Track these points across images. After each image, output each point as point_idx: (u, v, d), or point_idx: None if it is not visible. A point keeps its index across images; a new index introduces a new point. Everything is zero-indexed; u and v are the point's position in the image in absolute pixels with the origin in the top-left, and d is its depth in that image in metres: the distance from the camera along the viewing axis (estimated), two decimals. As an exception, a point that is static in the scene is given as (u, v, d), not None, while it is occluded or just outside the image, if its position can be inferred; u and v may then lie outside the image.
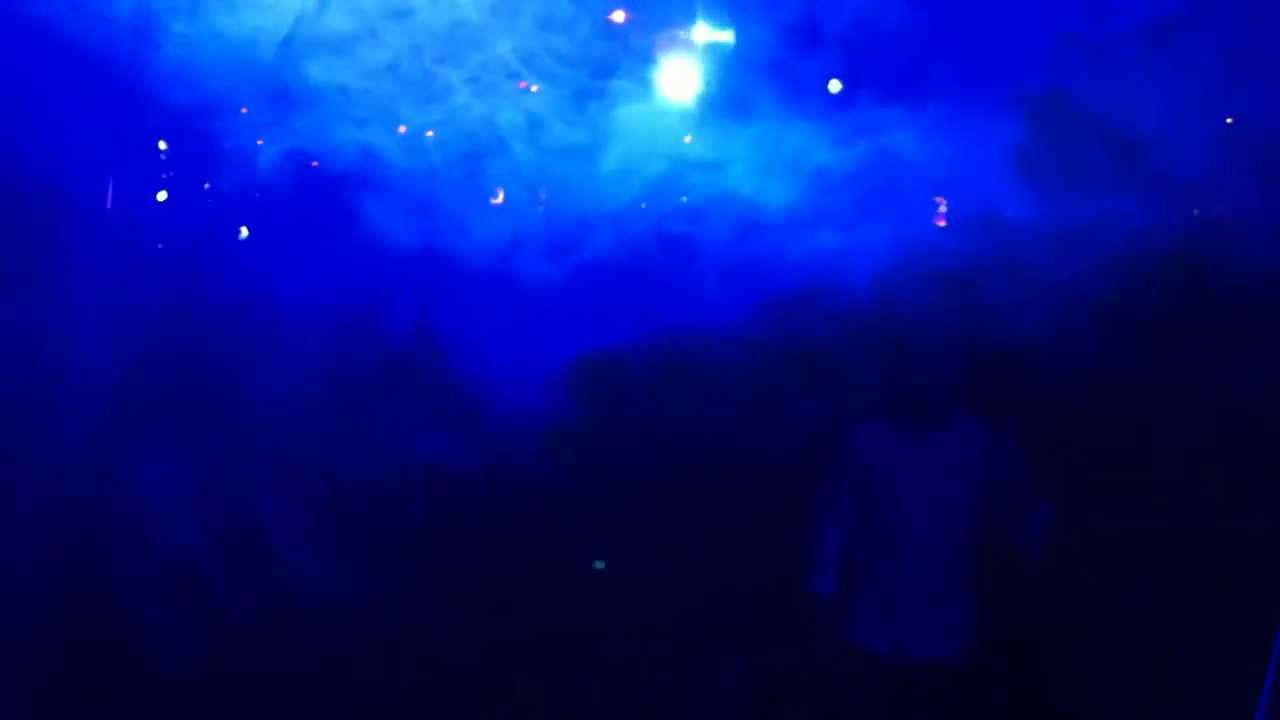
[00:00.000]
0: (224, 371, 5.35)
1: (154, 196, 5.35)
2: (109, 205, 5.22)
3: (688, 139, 5.62)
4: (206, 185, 5.39)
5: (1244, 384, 4.42)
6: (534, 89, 5.25)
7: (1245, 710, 2.31)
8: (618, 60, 5.48)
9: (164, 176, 5.20)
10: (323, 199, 5.41)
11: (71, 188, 5.13)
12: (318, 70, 5.07)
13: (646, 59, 5.57)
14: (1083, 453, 4.65)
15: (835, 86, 5.40)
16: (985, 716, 4.65)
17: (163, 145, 5.31)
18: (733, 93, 5.58)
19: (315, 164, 5.34)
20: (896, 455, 4.50)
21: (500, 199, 5.42)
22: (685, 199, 5.39)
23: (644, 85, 5.56)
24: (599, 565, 5.40)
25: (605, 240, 5.41)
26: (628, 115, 5.43)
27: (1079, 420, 4.72)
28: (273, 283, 5.51)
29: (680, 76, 5.65)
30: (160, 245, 5.32)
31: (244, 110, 5.13)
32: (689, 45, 5.67)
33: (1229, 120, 4.62)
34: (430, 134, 5.33)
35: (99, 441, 5.12)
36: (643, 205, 5.29)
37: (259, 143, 5.18)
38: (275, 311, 5.33)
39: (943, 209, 5.28)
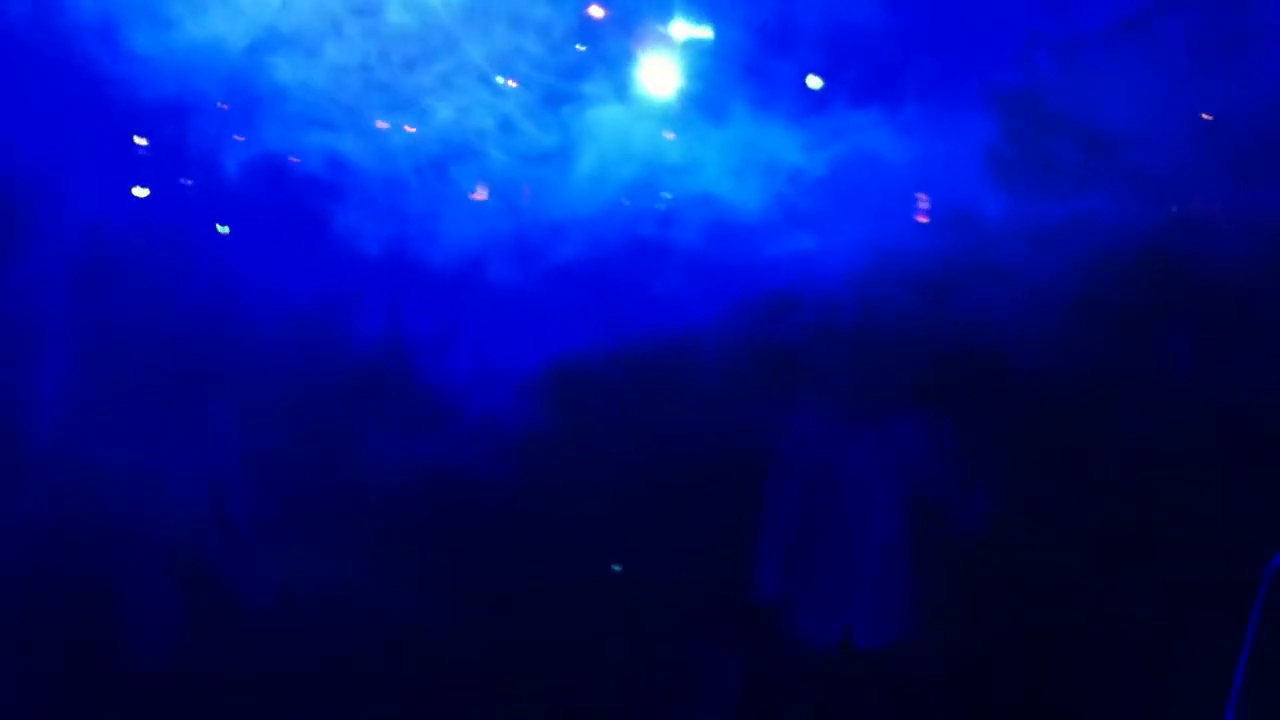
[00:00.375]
0: (195, 374, 5.31)
1: (118, 199, 5.29)
2: (72, 209, 5.16)
3: (663, 141, 5.57)
4: (173, 187, 5.33)
5: (1222, 379, 4.40)
6: (512, 84, 5.20)
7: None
8: (590, 62, 5.43)
9: (129, 180, 5.14)
10: (291, 203, 5.36)
11: (33, 191, 5.08)
12: (284, 73, 5.02)
13: (619, 61, 5.52)
14: (1054, 449, 4.62)
15: (815, 82, 5.35)
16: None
17: (126, 148, 5.25)
18: (707, 95, 5.53)
19: (283, 167, 5.28)
20: (851, 450, 4.48)
21: (482, 195, 5.37)
22: (668, 195, 5.34)
23: (617, 88, 5.51)
24: (616, 568, 5.37)
25: (578, 244, 5.37)
26: (601, 118, 5.39)
27: (1052, 417, 4.69)
28: (241, 287, 5.45)
29: (654, 79, 5.60)
30: (125, 248, 5.26)
31: (210, 113, 5.08)
32: (663, 47, 5.61)
33: (1204, 115, 4.60)
34: (400, 137, 5.29)
35: (66, 440, 5.09)
36: (626, 201, 5.25)
37: (226, 145, 5.13)
38: (245, 315, 5.28)
39: (924, 204, 5.23)
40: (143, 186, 5.23)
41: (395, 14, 5.18)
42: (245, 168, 5.24)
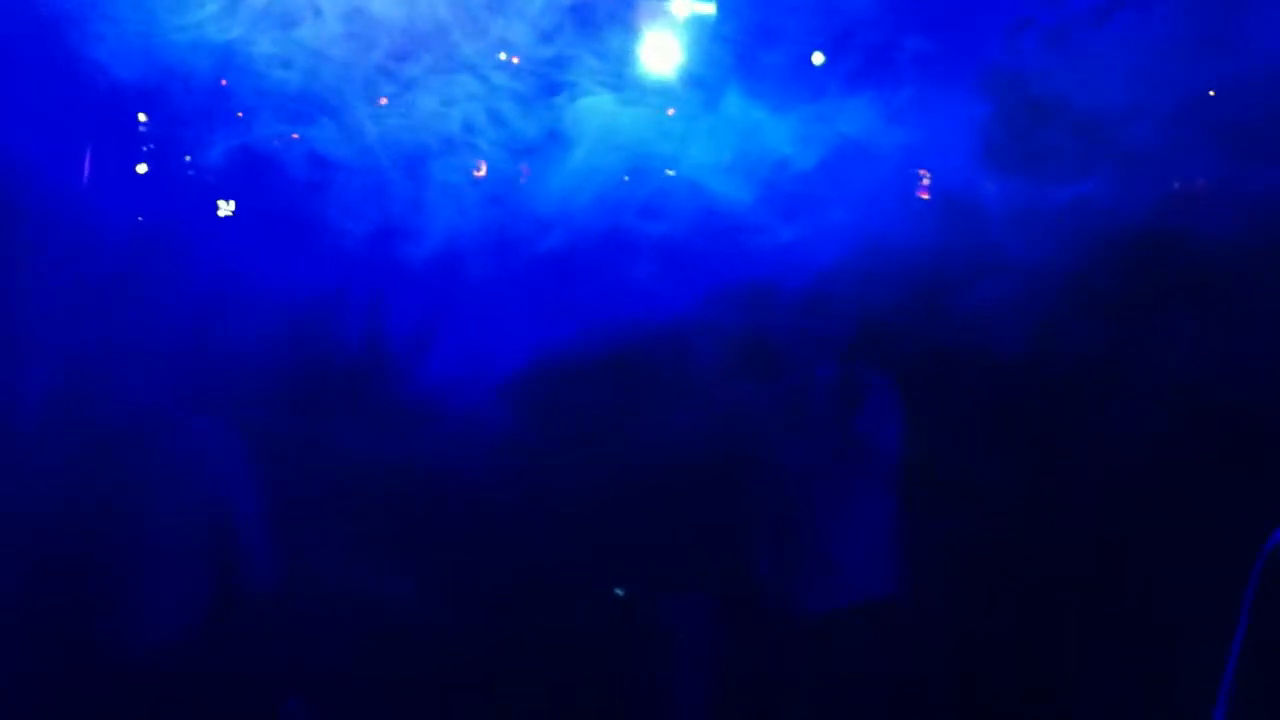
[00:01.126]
0: (190, 372, 5.24)
1: (93, 190, 5.23)
2: (38, 201, 5.10)
3: (652, 130, 5.49)
4: (146, 180, 5.27)
5: (1223, 366, 4.27)
6: (515, 60, 5.14)
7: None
8: (579, 50, 5.36)
9: (102, 171, 5.07)
10: (269, 197, 5.29)
11: (18, 185, 5.02)
12: (263, 62, 4.95)
13: (608, 49, 5.45)
14: (1049, 441, 4.52)
15: (819, 58, 5.27)
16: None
17: (106, 137, 5.20)
18: (696, 81, 5.47)
19: (265, 159, 5.22)
20: (840, 441, 4.40)
21: (482, 172, 5.30)
22: (671, 172, 5.27)
23: (605, 76, 5.43)
24: (620, 592, 5.30)
25: (564, 236, 5.29)
26: (589, 107, 5.32)
27: (1046, 407, 4.59)
28: (227, 284, 5.38)
29: (643, 66, 5.53)
30: (97, 243, 5.19)
31: (187, 103, 5.02)
32: (653, 32, 5.54)
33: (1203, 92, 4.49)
34: (383, 128, 5.22)
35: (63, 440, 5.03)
36: (625, 178, 5.18)
37: (206, 135, 5.07)
38: (224, 310, 5.20)
39: (925, 181, 5.15)
40: (112, 177, 5.14)
41: (380, 2, 5.12)
42: (226, 159, 5.18)
